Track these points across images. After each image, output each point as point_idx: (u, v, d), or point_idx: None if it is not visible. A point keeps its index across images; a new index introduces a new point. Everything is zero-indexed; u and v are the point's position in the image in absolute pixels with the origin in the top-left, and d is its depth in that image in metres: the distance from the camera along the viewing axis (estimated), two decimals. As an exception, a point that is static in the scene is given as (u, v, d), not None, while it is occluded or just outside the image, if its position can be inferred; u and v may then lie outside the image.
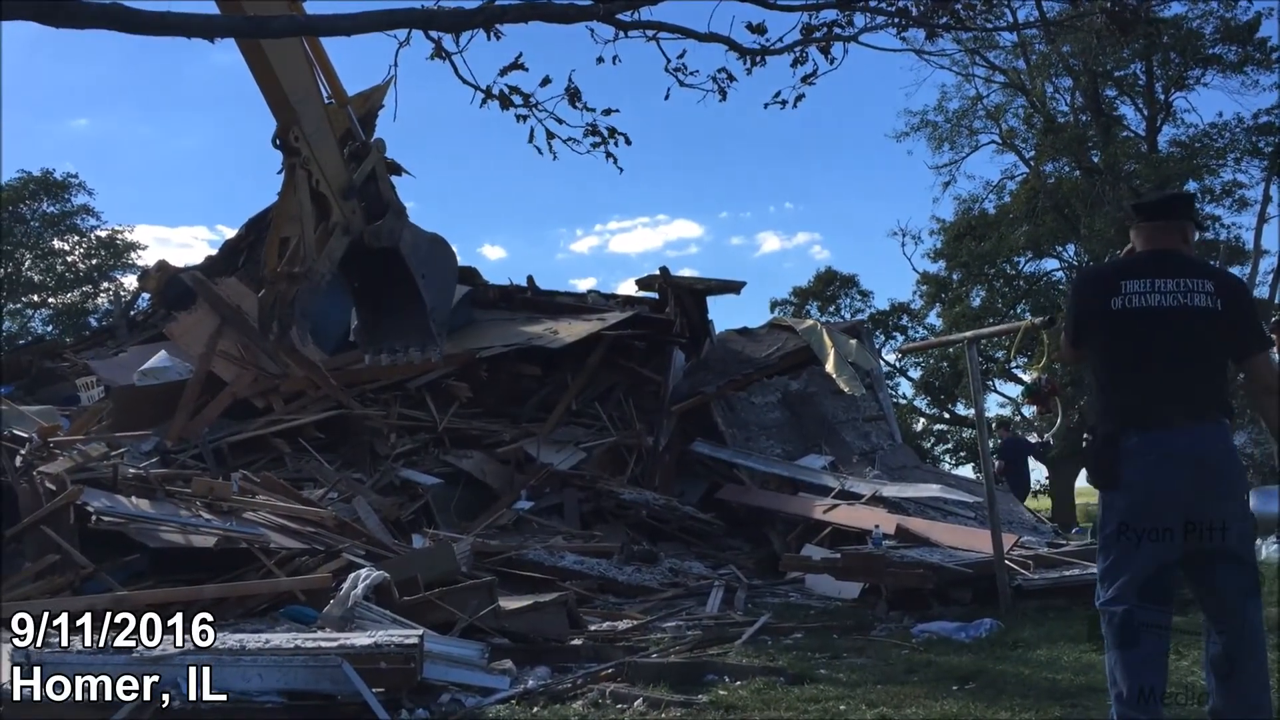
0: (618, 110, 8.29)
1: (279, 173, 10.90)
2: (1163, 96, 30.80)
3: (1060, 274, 34.53)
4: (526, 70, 7.82)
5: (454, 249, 12.98)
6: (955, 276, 35.34)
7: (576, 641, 6.81)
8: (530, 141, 8.21)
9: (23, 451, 8.22)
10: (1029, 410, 30.01)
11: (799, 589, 9.72)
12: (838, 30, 7.75)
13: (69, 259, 37.20)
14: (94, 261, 37.20)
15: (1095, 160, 30.15)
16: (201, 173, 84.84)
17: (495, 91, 7.96)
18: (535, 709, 5.10)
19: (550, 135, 8.20)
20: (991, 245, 32.04)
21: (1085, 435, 4.28)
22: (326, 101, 11.28)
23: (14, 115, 64.18)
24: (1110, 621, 3.97)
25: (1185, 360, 4.02)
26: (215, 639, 5.06)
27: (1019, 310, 32.18)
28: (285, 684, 4.87)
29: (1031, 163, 32.48)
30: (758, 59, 7.80)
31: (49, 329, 35.88)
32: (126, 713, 4.39)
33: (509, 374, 14.43)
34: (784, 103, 8.35)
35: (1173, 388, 3.99)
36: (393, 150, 12.99)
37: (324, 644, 5.15)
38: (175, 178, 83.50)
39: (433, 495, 11.56)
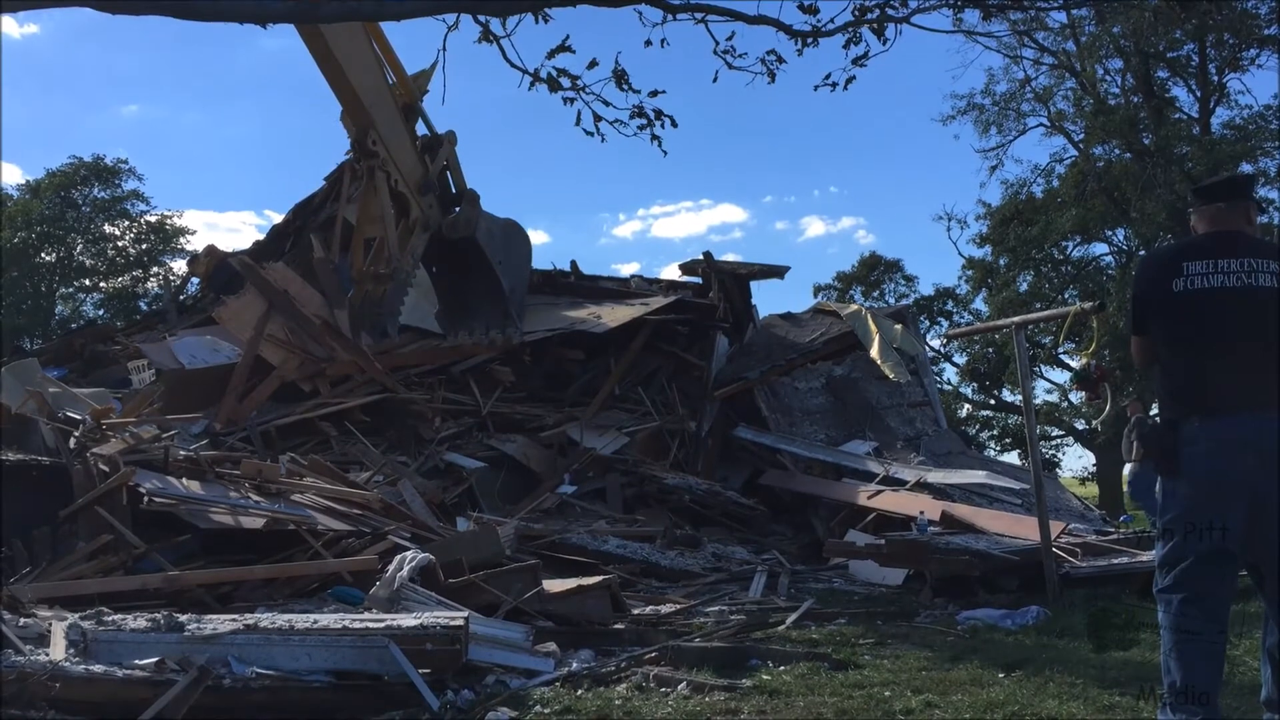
0: (664, 92, 8.26)
1: (350, 156, 10.58)
2: (1216, 78, 30.22)
3: (1110, 258, 34.06)
4: (574, 53, 7.82)
5: (527, 233, 12.95)
6: (1002, 261, 34.96)
7: (620, 625, 6.83)
8: (578, 124, 8.20)
9: (76, 433, 8.37)
10: (1078, 396, 29.74)
11: (843, 575, 9.69)
12: (890, 11, 7.66)
13: (119, 244, 37.76)
14: (144, 246, 37.73)
15: (1146, 143, 29.64)
16: (250, 158, 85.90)
17: (543, 74, 7.96)
18: (579, 691, 5.12)
19: (597, 118, 8.18)
20: (1039, 229, 31.61)
21: (1130, 419, 4.21)
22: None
23: (66, 102, 65.19)
24: (1167, 610, 3.91)
25: (1248, 342, 3.91)
26: (264, 619, 5.15)
27: (1067, 296, 31.78)
28: (333, 664, 4.93)
29: (1081, 146, 32.01)
30: (809, 40, 7.72)
31: (101, 313, 36.47)
32: (178, 690, 4.45)
33: (552, 358, 14.48)
34: (834, 85, 8.27)
35: (1235, 372, 3.89)
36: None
37: (371, 625, 5.21)
38: (224, 163, 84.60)
39: (477, 479, 11.64)
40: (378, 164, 8.81)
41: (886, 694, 4.91)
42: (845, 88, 8.26)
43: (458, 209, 9.52)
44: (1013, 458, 32.76)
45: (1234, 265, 3.94)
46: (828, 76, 8.24)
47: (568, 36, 7.69)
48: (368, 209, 9.09)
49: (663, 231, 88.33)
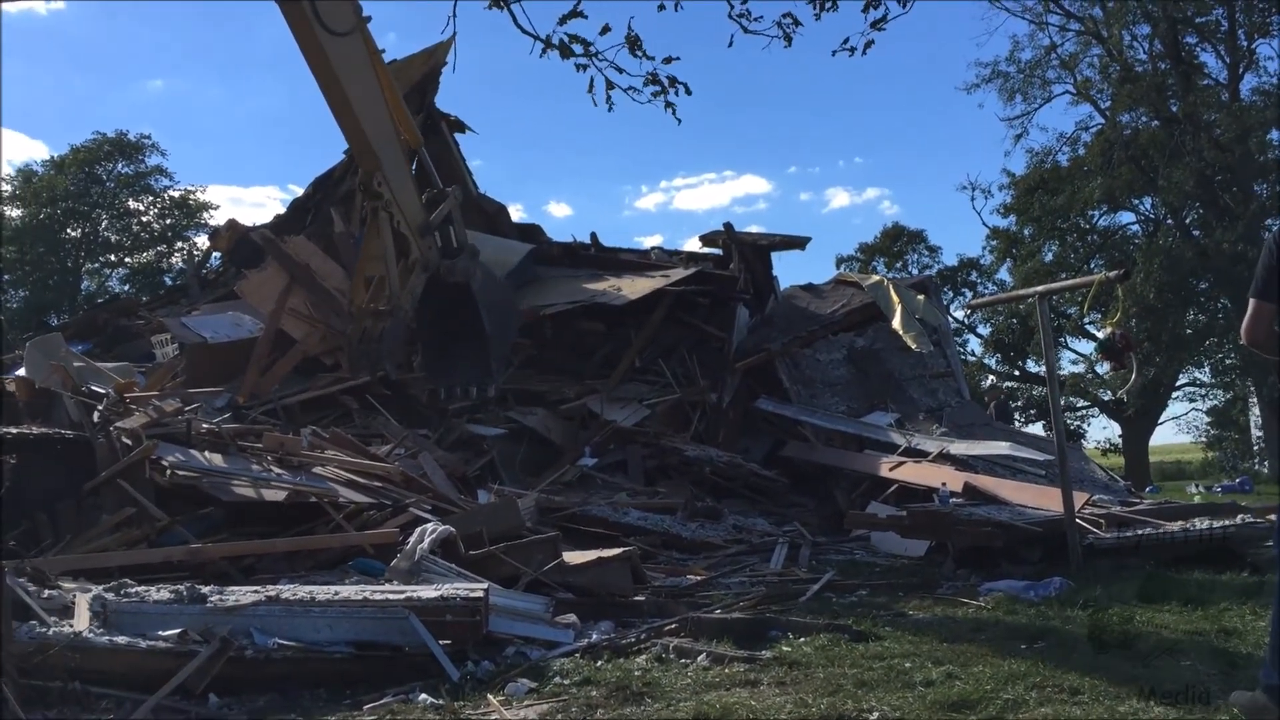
0: (678, 58, 8.17)
1: (362, 219, 11.04)
2: (1245, 43, 29.75)
3: (1136, 227, 33.69)
4: (586, 18, 7.74)
5: (514, 293, 13.18)
6: (1027, 231, 34.68)
7: (640, 597, 6.83)
8: (589, 91, 8.13)
9: (100, 407, 8.41)
10: (1103, 367, 29.51)
11: (864, 546, 9.67)
12: None
13: (144, 219, 37.96)
14: (168, 221, 37.93)
15: (1174, 110, 29.24)
16: (274, 132, 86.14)
17: (555, 41, 7.88)
18: (599, 662, 5.12)
19: (610, 85, 8.11)
20: (1065, 198, 31.29)
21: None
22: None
23: (90, 78, 65.41)
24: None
25: None
26: (285, 591, 5.16)
27: (1093, 265, 31.51)
28: (354, 635, 4.95)
29: (1107, 113, 31.61)
30: (827, 3, 7.60)
31: (126, 288, 36.73)
32: (200, 661, 4.48)
33: (573, 331, 14.47)
34: (852, 50, 8.13)
35: None
36: (459, 108, 12.99)
37: (391, 596, 5.22)
38: (248, 138, 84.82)
39: (498, 451, 11.66)
40: (382, 205, 9.07)
41: (907, 665, 4.89)
42: (864, 52, 8.12)
43: (455, 260, 9.95)
44: (1037, 429, 32.62)
45: None
46: (845, 41, 8.10)
47: (579, 1, 7.60)
48: (370, 248, 9.40)
49: (685, 203, 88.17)
